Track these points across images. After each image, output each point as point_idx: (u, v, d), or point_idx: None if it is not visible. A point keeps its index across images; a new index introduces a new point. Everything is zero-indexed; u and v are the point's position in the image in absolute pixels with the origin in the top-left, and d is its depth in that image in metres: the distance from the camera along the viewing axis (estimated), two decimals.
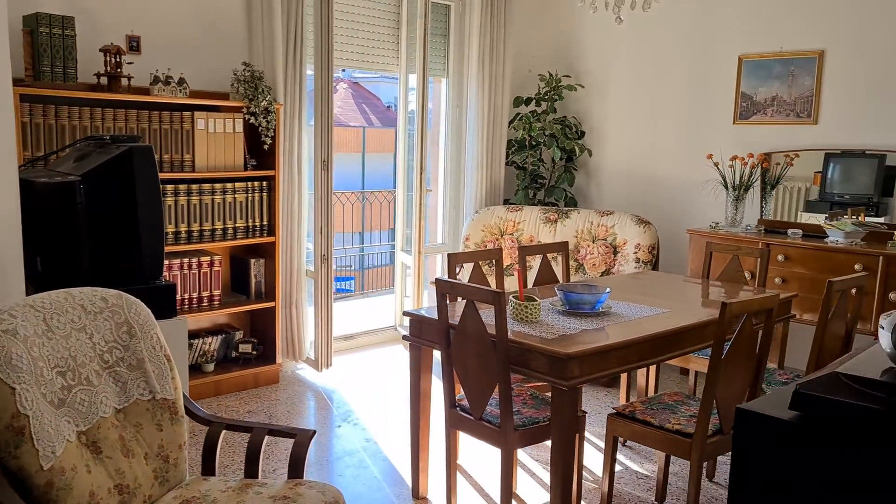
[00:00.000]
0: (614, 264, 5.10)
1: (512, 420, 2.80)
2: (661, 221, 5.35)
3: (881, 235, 4.43)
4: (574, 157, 5.80)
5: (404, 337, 3.25)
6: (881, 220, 4.60)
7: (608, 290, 3.23)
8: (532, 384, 3.40)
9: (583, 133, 5.82)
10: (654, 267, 5.02)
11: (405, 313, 3.25)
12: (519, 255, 3.91)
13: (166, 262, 4.13)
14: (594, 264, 5.16)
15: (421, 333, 3.17)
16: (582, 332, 2.90)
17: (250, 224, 4.43)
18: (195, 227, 4.22)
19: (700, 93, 5.22)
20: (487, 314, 2.99)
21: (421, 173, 5.07)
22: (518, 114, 5.82)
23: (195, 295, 4.30)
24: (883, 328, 1.33)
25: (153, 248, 2.88)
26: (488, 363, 2.79)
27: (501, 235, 5.41)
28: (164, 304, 2.87)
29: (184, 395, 2.54)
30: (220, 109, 4.31)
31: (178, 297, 4.22)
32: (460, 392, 3.09)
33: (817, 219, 4.83)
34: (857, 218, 4.64)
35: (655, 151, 5.49)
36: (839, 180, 4.79)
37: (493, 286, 3.88)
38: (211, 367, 4.39)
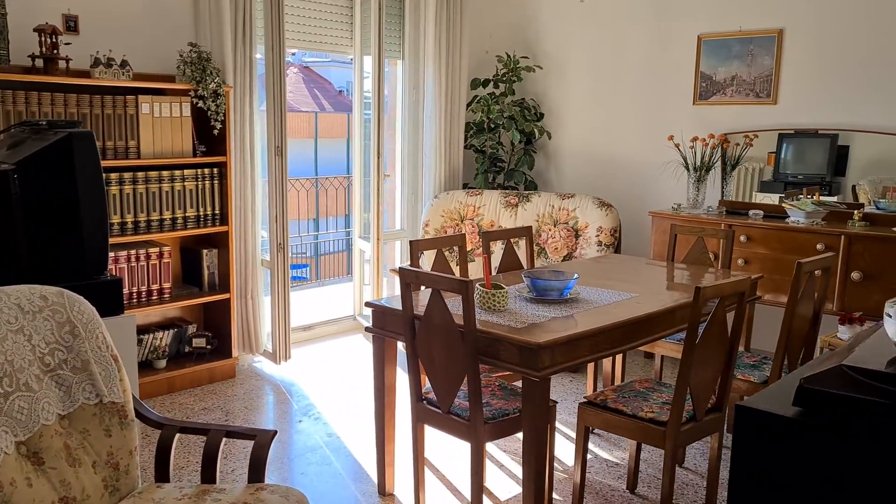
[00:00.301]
0: (576, 248, 5.03)
1: (482, 413, 2.69)
2: (623, 204, 5.30)
3: (841, 215, 4.43)
4: (533, 139, 5.70)
5: (367, 329, 3.12)
6: (834, 199, 4.61)
7: (576, 276, 3.14)
8: (500, 374, 3.30)
9: (542, 115, 5.73)
10: (617, 250, 4.96)
11: (367, 304, 3.11)
12: (482, 241, 3.80)
13: (112, 254, 3.92)
14: (556, 248, 5.08)
15: (384, 325, 3.04)
16: (551, 319, 2.80)
17: (201, 213, 4.24)
18: (142, 217, 4.02)
19: (659, 73, 5.16)
20: (454, 303, 2.88)
21: (378, 158, 4.92)
22: (476, 96, 5.69)
23: (144, 288, 4.10)
24: (890, 316, 1.25)
25: (96, 241, 2.69)
26: (456, 355, 2.68)
27: (462, 221, 5.30)
28: (109, 300, 2.69)
29: (133, 397, 2.38)
30: (166, 93, 4.10)
31: (126, 291, 4.02)
32: (427, 385, 2.98)
33: (771, 199, 4.82)
34: (814, 198, 4.64)
35: (615, 133, 5.42)
36: (792, 160, 4.79)
37: (457, 273, 3.76)
38: (163, 363, 4.20)
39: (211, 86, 4.06)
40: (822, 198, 4.63)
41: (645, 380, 3.15)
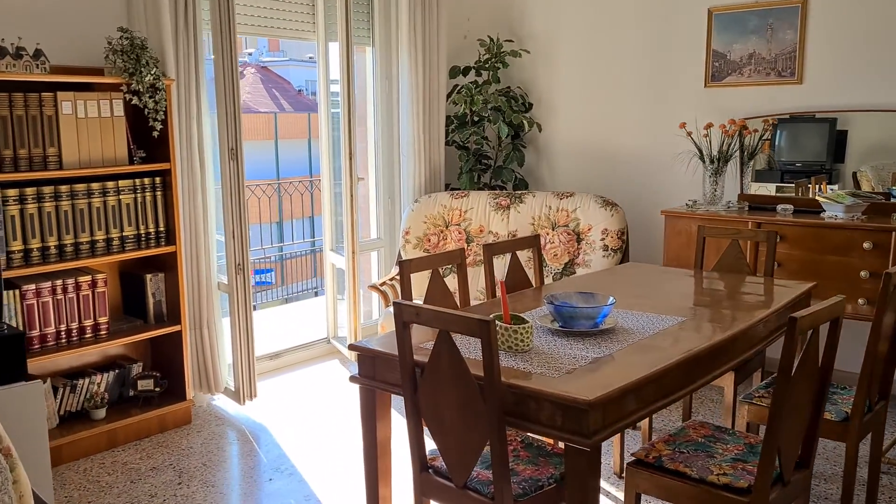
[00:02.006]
0: (578, 253, 4.40)
1: (510, 489, 2.03)
2: (628, 202, 4.68)
3: (883, 207, 3.85)
4: (522, 132, 5.06)
5: (352, 379, 2.43)
6: (835, 187, 4.07)
7: (612, 299, 2.50)
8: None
9: (530, 105, 5.08)
10: (625, 254, 4.34)
11: (352, 347, 2.43)
12: (484, 255, 3.14)
13: (31, 286, 3.19)
14: (555, 255, 4.45)
15: (374, 373, 2.37)
16: (594, 362, 2.15)
17: (142, 231, 3.51)
18: (68, 239, 3.28)
19: (665, 54, 4.54)
20: (466, 344, 2.22)
21: (350, 159, 4.22)
22: (456, 86, 5.03)
23: (74, 325, 3.36)
24: None
25: None
26: (474, 415, 2.02)
27: (446, 227, 4.63)
28: (7, 363, 1.98)
29: (37, 499, 1.68)
30: (93, 88, 3.37)
31: (52, 329, 3.28)
32: (432, 446, 2.31)
33: (768, 189, 4.27)
34: (820, 187, 4.10)
35: (616, 123, 4.80)
36: (787, 147, 4.22)
37: (458, 296, 3.10)
38: (102, 413, 3.47)
39: (147, 78, 3.33)
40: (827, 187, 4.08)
41: (701, 424, 2.52)
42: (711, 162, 4.16)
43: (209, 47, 3.66)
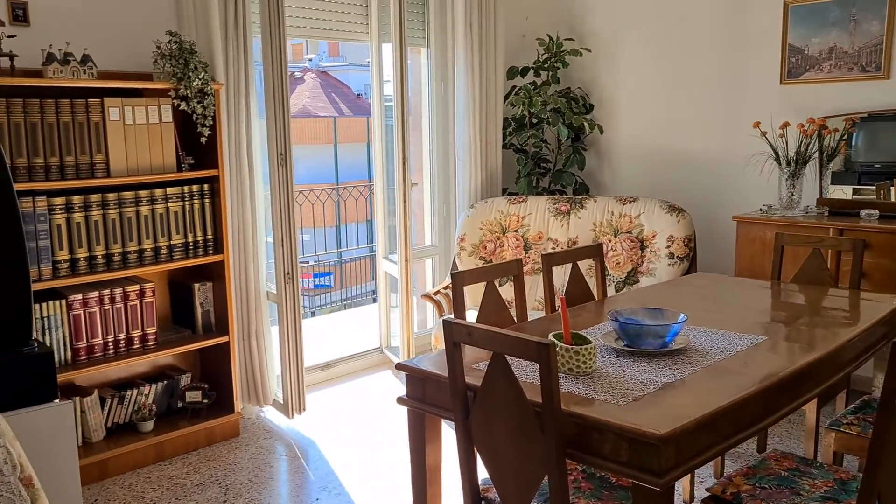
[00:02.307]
0: (642, 262, 4.16)
1: None
2: (695, 208, 4.41)
3: None
4: (582, 135, 4.84)
5: (401, 401, 2.27)
6: None
7: (682, 316, 2.28)
8: None
9: (591, 106, 4.86)
10: (692, 263, 4.09)
11: (399, 367, 2.27)
12: (544, 265, 2.94)
13: (78, 296, 3.13)
14: (618, 263, 4.22)
15: (424, 396, 2.20)
16: (663, 387, 1.94)
17: (190, 240, 3.43)
18: (116, 248, 3.21)
19: (736, 50, 4.27)
20: (522, 365, 2.04)
21: (404, 164, 4.07)
22: (514, 87, 4.84)
23: (122, 336, 3.29)
24: None
25: (11, 302, 1.88)
26: (531, 446, 1.83)
27: (503, 233, 4.45)
28: (35, 383, 1.88)
29: None
30: (141, 94, 3.30)
31: (99, 340, 3.22)
32: (485, 475, 2.13)
33: (844, 192, 3.95)
34: None
35: (682, 124, 4.54)
36: (865, 147, 3.90)
37: (514, 310, 2.91)
38: (149, 425, 3.39)
39: (195, 83, 3.24)
40: None
41: (783, 455, 2.28)
42: (788, 164, 3.88)
43: (260, 51, 3.56)
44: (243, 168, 3.59)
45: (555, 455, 1.78)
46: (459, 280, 2.62)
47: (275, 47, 3.47)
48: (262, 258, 3.74)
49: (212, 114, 3.34)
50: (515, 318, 2.83)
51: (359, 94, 24.93)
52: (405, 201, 4.11)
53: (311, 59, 26.31)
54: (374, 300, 7.86)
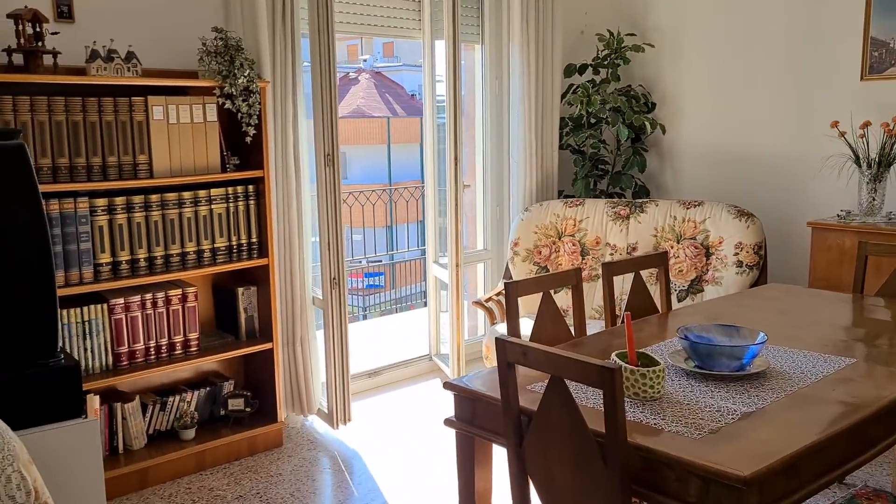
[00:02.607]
0: (707, 269, 3.91)
1: None
2: (765, 213, 4.14)
3: None
4: (643, 135, 4.60)
5: (448, 423, 2.10)
6: None
7: (762, 335, 2.06)
8: None
9: (653, 105, 4.61)
10: (762, 272, 3.82)
11: (447, 386, 2.09)
12: (604, 274, 2.74)
13: (120, 300, 3.04)
14: (681, 271, 3.98)
15: (473, 418, 2.02)
16: (743, 417, 1.73)
17: (234, 243, 3.32)
18: (158, 251, 3.11)
19: (812, 43, 3.99)
20: (583, 388, 1.85)
21: (455, 164, 3.90)
22: (571, 85, 4.63)
23: (164, 341, 3.20)
24: None
25: (36, 311, 1.76)
26: (592, 477, 1.64)
27: (559, 238, 4.24)
28: (60, 398, 1.77)
29: None
30: (186, 92, 3.19)
31: (141, 346, 3.12)
32: None
33: None
34: None
35: (751, 123, 4.26)
36: None
37: (572, 319, 2.71)
38: (191, 433, 3.29)
39: (241, 81, 3.13)
40: None
41: (875, 493, 2.04)
42: (869, 166, 3.59)
43: (308, 49, 3.43)
44: (289, 169, 3.46)
45: (619, 491, 1.59)
46: (514, 291, 2.43)
47: (323, 44, 3.33)
48: (308, 262, 3.61)
49: (257, 112, 3.22)
50: (573, 330, 2.63)
51: (412, 95, 24.91)
52: (457, 204, 3.94)
53: (365, 60, 26.40)
54: (426, 303, 7.73)
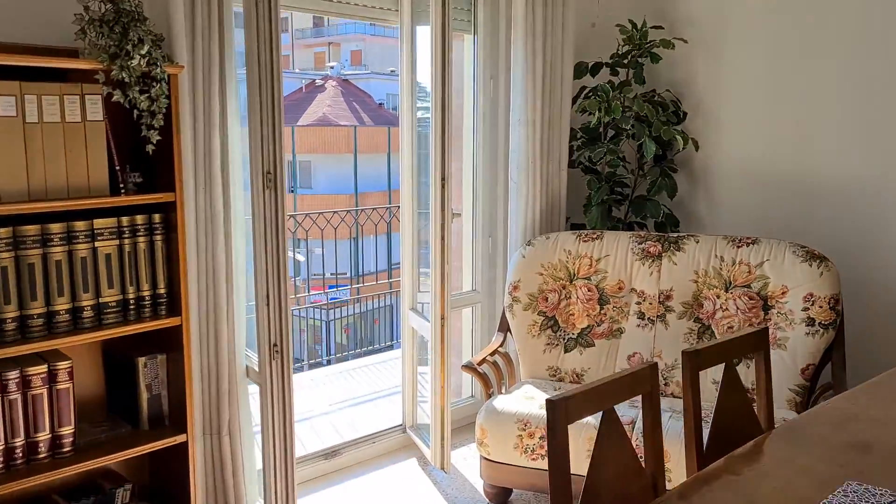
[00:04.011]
0: (766, 327, 2.96)
1: None
2: (837, 255, 3.20)
3: None
4: (669, 151, 3.67)
5: None
6: None
7: None
8: None
9: (684, 115, 3.68)
10: (839, 333, 2.90)
11: None
12: (686, 369, 1.76)
13: None
14: (730, 328, 3.04)
15: None
16: None
17: (131, 295, 2.28)
18: (9, 312, 2.07)
19: (891, 43, 3.08)
20: None
21: (443, 186, 2.91)
22: (583, 88, 3.67)
23: (19, 441, 2.15)
24: None
25: None
26: None
27: (570, 281, 3.27)
28: None
29: None
30: (58, 75, 2.16)
31: None
32: None
33: None
34: None
35: (815, 139, 3.34)
36: None
37: (643, 456, 1.72)
38: None
39: (136, 62, 2.10)
40: None
41: None
42: None
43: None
44: (215, 191, 2.44)
45: None
46: (562, 414, 1.43)
47: (262, 19, 2.33)
48: (241, 319, 2.59)
49: (164, 110, 2.20)
50: (643, 461, 1.65)
51: (380, 104, 23.97)
52: (443, 238, 2.94)
53: (332, 67, 25.40)
54: (394, 345, 6.68)
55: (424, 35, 3.10)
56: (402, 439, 3.48)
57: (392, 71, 26.63)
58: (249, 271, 2.52)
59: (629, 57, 3.58)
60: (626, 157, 3.64)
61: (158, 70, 2.16)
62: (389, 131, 21.75)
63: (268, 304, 2.41)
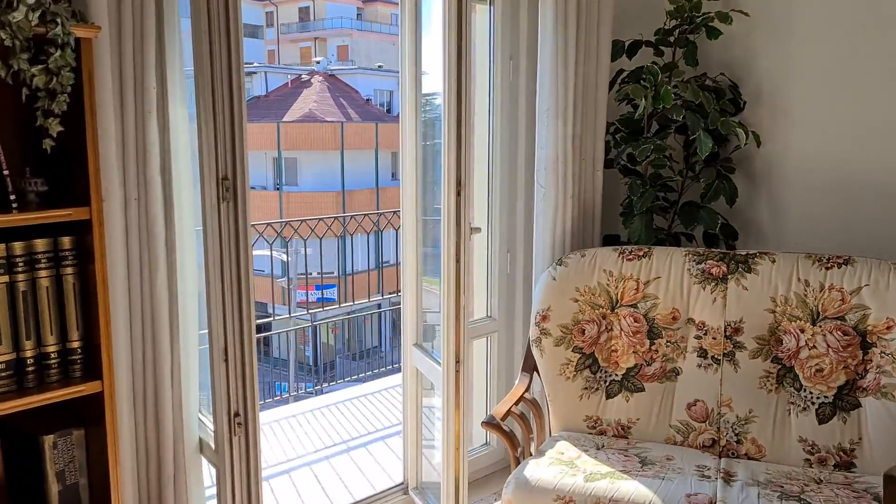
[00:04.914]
0: (866, 370, 2.33)
1: None
2: None
3: None
4: (723, 148, 3.00)
5: None
6: None
7: None
8: None
9: (742, 104, 3.00)
10: None
11: None
12: (892, 494, 1.09)
13: None
14: (818, 370, 2.38)
15: None
16: None
17: (28, 353, 1.59)
18: None
19: None
20: None
21: (459, 194, 2.22)
22: (620, 72, 2.99)
23: None
24: None
25: None
26: None
27: (613, 309, 2.60)
28: None
29: None
30: None
31: None
32: None
33: None
34: None
35: None
36: None
37: None
38: None
39: (19, 16, 1.40)
40: None
41: None
42: None
43: None
44: (153, 202, 1.74)
45: None
46: None
47: None
48: (191, 375, 1.89)
49: (68, 88, 1.50)
50: None
51: (367, 99, 23.27)
52: (458, 260, 2.25)
53: (318, 62, 24.64)
54: (389, 370, 5.94)
55: (428, 4, 2.42)
56: (404, 500, 2.79)
57: (380, 66, 25.89)
58: (204, 311, 1.82)
59: (677, 34, 2.91)
60: (672, 153, 2.96)
61: (60, 31, 1.46)
62: (377, 127, 21.05)
63: (226, 360, 1.72)
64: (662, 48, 2.94)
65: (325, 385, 6.24)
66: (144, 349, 1.76)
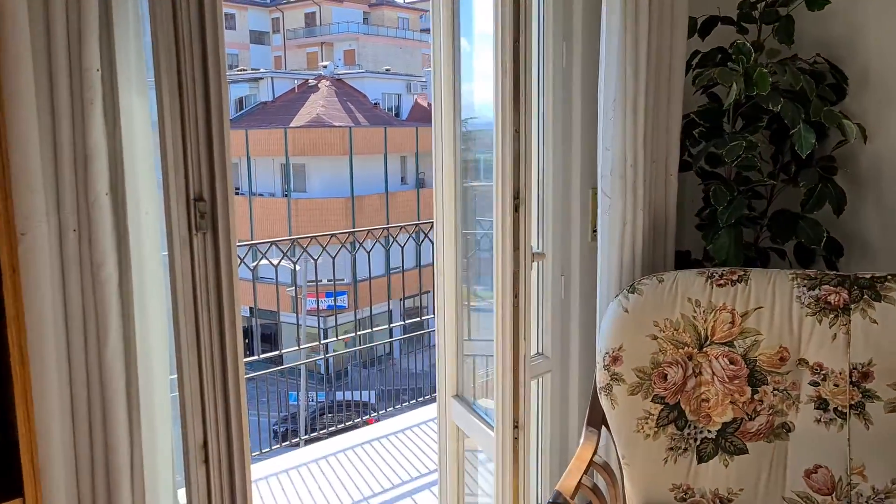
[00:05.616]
0: None
1: None
2: None
3: None
4: (822, 143, 2.44)
5: None
6: None
7: None
8: None
9: (842, 91, 2.44)
10: None
11: None
12: None
13: None
14: None
15: None
16: None
17: None
18: None
19: None
20: None
21: (516, 212, 1.67)
22: (695, 54, 2.44)
23: None
24: None
25: None
26: None
27: (701, 347, 2.05)
28: None
29: None
30: None
31: None
32: None
33: None
34: None
35: None
36: None
37: None
38: None
39: None
40: None
41: None
42: None
43: None
44: (99, 233, 1.19)
45: None
46: None
47: None
48: (161, 478, 1.34)
49: None
50: None
51: (376, 103, 22.82)
52: (516, 294, 1.70)
53: (325, 67, 24.17)
54: (419, 397, 5.38)
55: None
56: None
57: (387, 70, 25.41)
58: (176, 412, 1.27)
59: (760, 6, 2.35)
60: (762, 150, 2.40)
61: None
62: (386, 132, 20.55)
63: (206, 461, 1.17)
64: (745, 25, 2.39)
65: (341, 423, 5.73)
66: (92, 444, 1.21)
